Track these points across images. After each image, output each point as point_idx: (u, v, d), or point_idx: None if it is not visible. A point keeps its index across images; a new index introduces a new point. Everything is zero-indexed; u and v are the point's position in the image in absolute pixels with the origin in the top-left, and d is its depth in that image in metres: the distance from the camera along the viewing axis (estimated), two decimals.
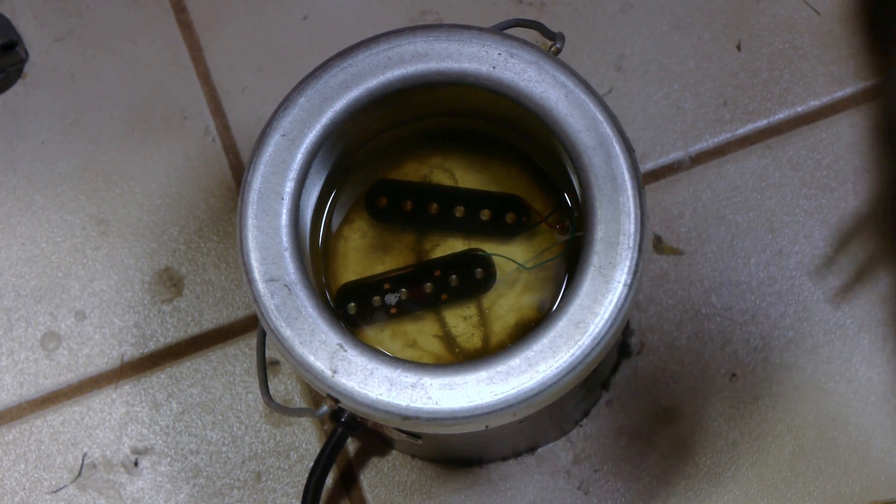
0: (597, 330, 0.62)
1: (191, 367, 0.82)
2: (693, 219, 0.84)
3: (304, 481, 0.76)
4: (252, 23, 0.88)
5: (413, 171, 0.73)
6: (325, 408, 0.66)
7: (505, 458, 0.80)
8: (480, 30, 0.66)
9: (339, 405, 0.63)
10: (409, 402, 0.61)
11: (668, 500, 0.80)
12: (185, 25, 0.88)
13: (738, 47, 0.87)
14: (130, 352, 0.83)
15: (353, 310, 0.70)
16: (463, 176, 0.72)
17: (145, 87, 0.87)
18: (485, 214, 0.71)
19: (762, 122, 0.86)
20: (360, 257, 0.71)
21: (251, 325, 0.83)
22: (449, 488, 0.80)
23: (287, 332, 0.62)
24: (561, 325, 0.62)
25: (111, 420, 0.82)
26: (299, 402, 0.81)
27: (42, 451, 0.81)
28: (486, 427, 0.62)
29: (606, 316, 0.62)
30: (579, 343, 0.61)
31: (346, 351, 0.62)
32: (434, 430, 0.63)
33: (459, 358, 0.70)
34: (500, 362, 0.61)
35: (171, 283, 0.84)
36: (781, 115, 0.86)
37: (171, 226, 0.85)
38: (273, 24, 0.88)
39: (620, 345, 0.81)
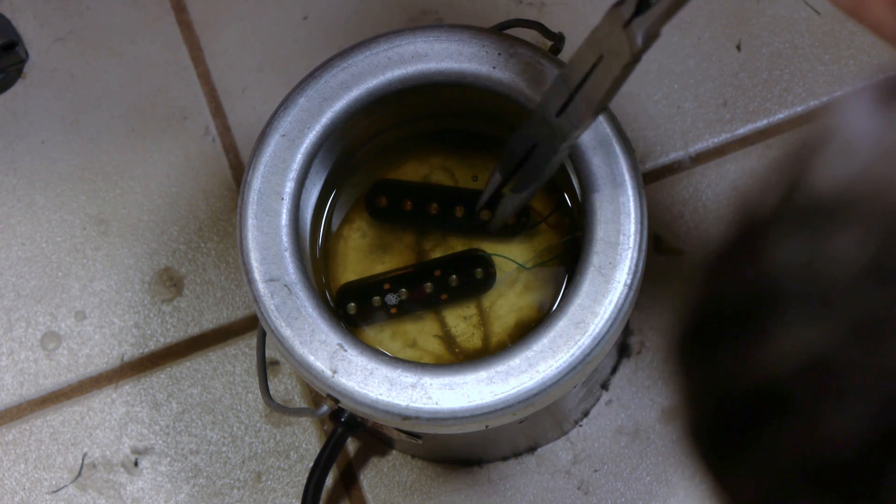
0: (597, 330, 0.61)
1: (191, 367, 0.82)
2: (693, 219, 0.83)
3: (304, 481, 0.76)
4: (252, 23, 0.88)
5: (413, 171, 0.72)
6: (325, 408, 0.66)
7: (505, 458, 0.80)
8: (480, 30, 0.66)
9: (339, 405, 0.63)
10: (409, 402, 0.61)
11: (667, 500, 0.80)
12: (185, 25, 0.88)
13: (738, 47, 0.87)
14: (130, 352, 0.83)
15: (353, 310, 0.70)
16: (463, 176, 0.72)
17: (145, 87, 0.87)
18: (485, 214, 0.71)
19: (762, 122, 0.86)
20: (360, 257, 0.71)
21: (251, 325, 0.83)
22: (449, 488, 0.80)
23: (287, 332, 0.62)
24: (561, 325, 0.62)
25: (111, 420, 0.82)
26: (299, 402, 0.81)
27: (42, 451, 0.81)
28: (486, 427, 0.62)
29: (606, 316, 0.62)
30: (579, 343, 0.61)
31: (346, 351, 0.62)
32: (434, 430, 0.63)
33: (459, 358, 0.70)
34: (500, 362, 0.61)
35: (171, 283, 0.84)
36: (781, 115, 0.86)
37: (171, 226, 0.85)
38: (273, 24, 0.88)
39: (620, 345, 0.81)
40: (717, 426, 0.27)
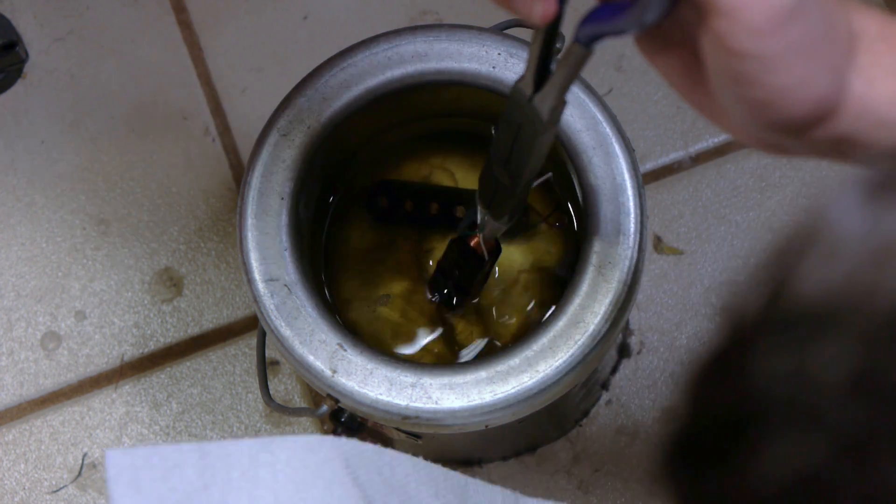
0: (596, 329, 0.61)
1: (191, 367, 0.82)
2: (693, 219, 0.83)
3: None
4: (252, 23, 0.88)
5: (413, 171, 0.72)
6: (324, 408, 0.66)
7: (505, 458, 0.80)
8: (480, 30, 0.66)
9: (339, 405, 0.63)
10: (408, 402, 0.61)
11: (668, 500, 0.80)
12: (185, 25, 0.88)
13: None
14: (130, 352, 0.83)
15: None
16: (463, 176, 0.72)
17: (145, 87, 0.87)
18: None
19: None
20: (360, 257, 0.71)
21: (251, 325, 0.83)
22: None
23: (287, 332, 0.62)
24: (560, 325, 0.62)
25: (111, 420, 0.82)
26: (299, 402, 0.81)
27: (42, 451, 0.81)
28: (486, 427, 0.62)
29: (606, 315, 0.62)
30: (578, 342, 0.61)
31: (345, 351, 0.62)
32: (434, 430, 0.63)
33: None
34: (500, 362, 0.61)
35: (171, 283, 0.84)
36: None
37: (171, 226, 0.85)
38: (273, 24, 0.88)
39: (620, 345, 0.81)
40: None
